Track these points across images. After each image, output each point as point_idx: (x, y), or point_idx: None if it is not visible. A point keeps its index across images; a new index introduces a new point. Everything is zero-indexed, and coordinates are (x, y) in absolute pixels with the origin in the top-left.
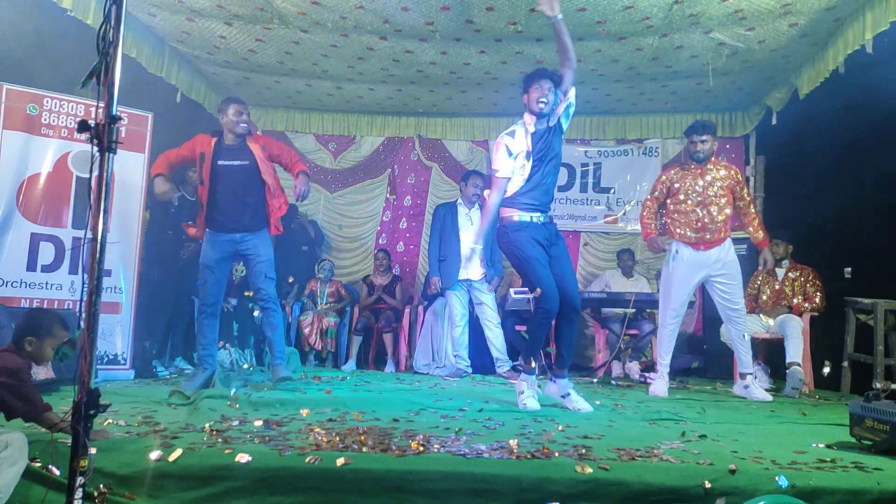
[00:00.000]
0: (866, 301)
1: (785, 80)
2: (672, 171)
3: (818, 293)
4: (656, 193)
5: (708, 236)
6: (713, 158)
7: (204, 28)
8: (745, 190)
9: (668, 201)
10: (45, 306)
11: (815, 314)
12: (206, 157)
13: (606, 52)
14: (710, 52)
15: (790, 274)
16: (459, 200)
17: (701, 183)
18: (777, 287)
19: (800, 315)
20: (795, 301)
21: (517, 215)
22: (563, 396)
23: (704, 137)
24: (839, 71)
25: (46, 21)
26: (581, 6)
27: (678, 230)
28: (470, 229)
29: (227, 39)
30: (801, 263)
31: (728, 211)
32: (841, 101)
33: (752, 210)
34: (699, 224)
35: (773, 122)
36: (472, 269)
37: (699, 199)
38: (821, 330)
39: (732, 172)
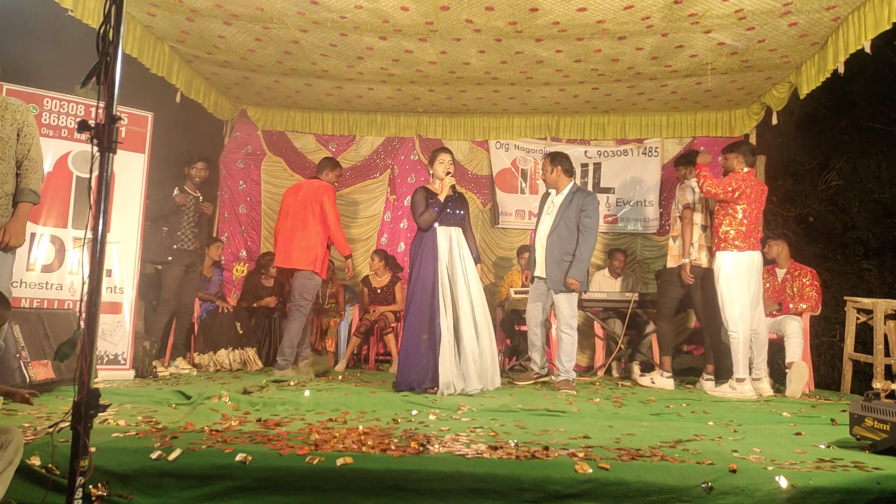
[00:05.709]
0: (866, 301)
1: (785, 80)
2: (737, 182)
3: (815, 293)
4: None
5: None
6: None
7: (203, 28)
8: None
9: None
10: (45, 306)
11: (813, 314)
12: None
13: (606, 52)
14: (710, 51)
15: (791, 273)
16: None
17: (756, 203)
18: (777, 286)
19: (798, 315)
20: (791, 305)
21: None
22: None
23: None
24: (839, 71)
25: (46, 21)
26: (581, 6)
27: (734, 234)
28: (546, 219)
29: (226, 39)
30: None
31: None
32: (841, 100)
33: None
34: (754, 230)
35: (774, 121)
36: (540, 269)
37: (755, 213)
38: (821, 330)
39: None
